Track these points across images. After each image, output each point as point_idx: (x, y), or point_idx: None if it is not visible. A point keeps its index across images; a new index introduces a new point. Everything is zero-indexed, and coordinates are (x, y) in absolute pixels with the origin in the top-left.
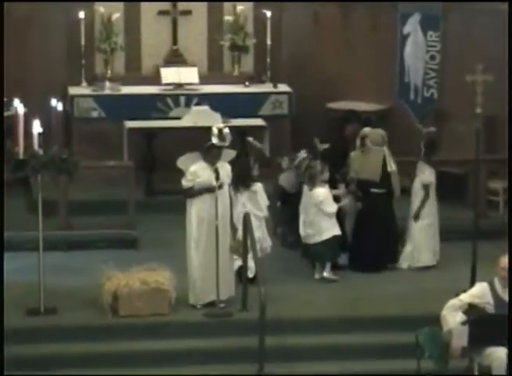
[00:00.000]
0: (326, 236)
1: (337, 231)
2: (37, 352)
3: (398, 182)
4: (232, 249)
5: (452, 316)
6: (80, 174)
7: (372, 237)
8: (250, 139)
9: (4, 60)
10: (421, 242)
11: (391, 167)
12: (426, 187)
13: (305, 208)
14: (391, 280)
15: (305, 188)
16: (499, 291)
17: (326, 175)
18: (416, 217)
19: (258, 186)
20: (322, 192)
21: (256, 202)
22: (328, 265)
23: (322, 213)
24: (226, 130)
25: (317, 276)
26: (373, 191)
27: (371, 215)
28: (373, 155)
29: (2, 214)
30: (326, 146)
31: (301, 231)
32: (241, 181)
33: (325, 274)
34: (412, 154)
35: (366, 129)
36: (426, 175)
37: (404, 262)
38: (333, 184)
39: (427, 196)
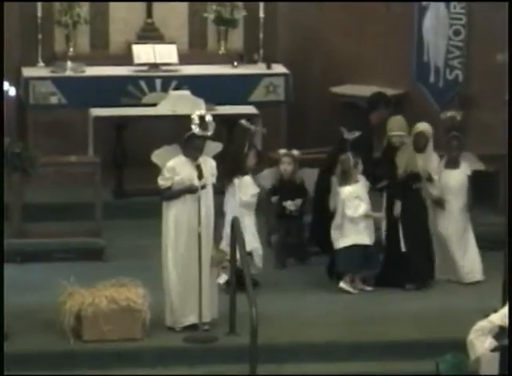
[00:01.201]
0: (344, 243)
1: (359, 240)
2: None
3: None
4: (214, 261)
5: (481, 341)
6: (37, 172)
7: (420, 244)
8: (243, 121)
9: (4, 59)
10: (474, 250)
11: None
12: (470, 179)
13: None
14: (407, 298)
15: (336, 185)
16: None
17: (360, 169)
18: (469, 208)
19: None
20: (347, 191)
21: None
22: (346, 276)
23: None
24: (209, 117)
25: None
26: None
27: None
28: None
29: (2, 213)
30: (356, 133)
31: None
32: (234, 171)
33: (341, 284)
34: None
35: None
36: (471, 164)
37: (445, 276)
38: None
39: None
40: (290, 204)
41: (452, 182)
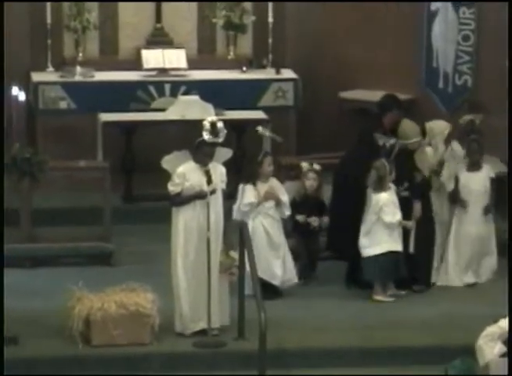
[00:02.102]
0: (376, 250)
1: (394, 247)
2: None
3: None
4: (222, 268)
5: (490, 347)
6: (46, 177)
7: (428, 246)
8: (260, 128)
9: (4, 59)
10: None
11: None
12: (493, 181)
13: (365, 215)
14: (416, 303)
15: (368, 192)
16: None
17: (393, 176)
18: (488, 210)
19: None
20: (385, 197)
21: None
22: (377, 286)
23: (381, 222)
24: (220, 124)
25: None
26: None
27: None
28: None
29: (2, 213)
30: (392, 141)
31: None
32: (249, 178)
33: (375, 297)
34: None
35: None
36: (494, 166)
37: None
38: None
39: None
40: (314, 220)
41: (475, 185)
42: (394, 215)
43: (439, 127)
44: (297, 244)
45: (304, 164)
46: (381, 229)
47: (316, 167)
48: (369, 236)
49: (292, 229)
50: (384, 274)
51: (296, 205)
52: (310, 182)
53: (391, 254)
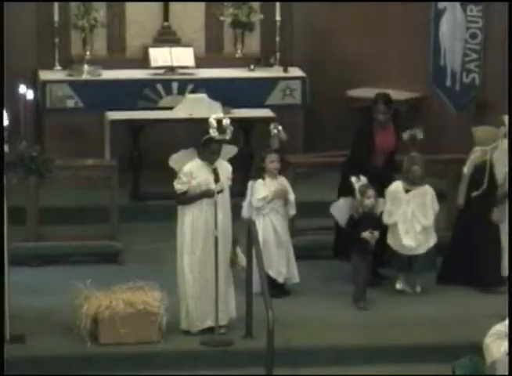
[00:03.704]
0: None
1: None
2: None
3: None
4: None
5: (498, 345)
6: (53, 175)
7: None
8: (273, 127)
9: (4, 59)
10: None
11: None
12: None
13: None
14: (423, 301)
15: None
16: None
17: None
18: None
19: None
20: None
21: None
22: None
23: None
24: (227, 121)
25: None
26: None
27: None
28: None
29: (3, 212)
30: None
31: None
32: (256, 174)
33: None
34: (448, 151)
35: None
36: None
37: None
38: None
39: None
40: (371, 237)
41: None
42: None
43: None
44: (357, 262)
45: (362, 184)
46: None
47: (364, 180)
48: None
49: (351, 247)
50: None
51: (355, 223)
52: (370, 200)
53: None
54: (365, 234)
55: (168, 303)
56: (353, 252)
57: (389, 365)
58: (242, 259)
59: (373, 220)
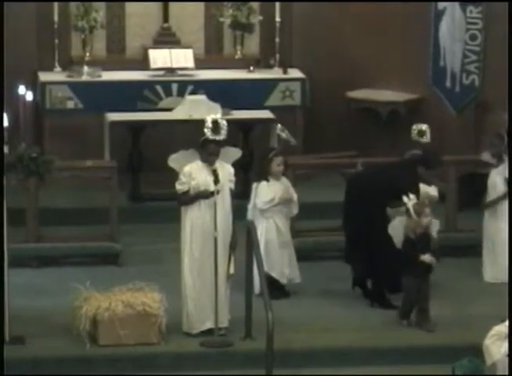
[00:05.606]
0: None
1: None
2: None
3: None
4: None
5: (497, 346)
6: (53, 176)
7: None
8: (279, 130)
9: (4, 60)
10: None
11: None
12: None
13: None
14: None
15: None
16: None
17: None
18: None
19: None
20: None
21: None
22: None
23: None
24: (223, 121)
25: None
26: None
27: None
28: None
29: (2, 214)
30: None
31: None
32: (259, 176)
33: None
34: (447, 152)
35: None
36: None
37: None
38: None
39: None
40: (428, 258)
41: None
42: None
43: None
44: (411, 283)
45: (423, 204)
46: None
47: (414, 199)
48: None
49: (406, 268)
50: None
51: (412, 244)
52: (428, 218)
53: None
54: (427, 258)
55: (168, 304)
56: (408, 274)
57: (389, 366)
58: (232, 266)
59: (429, 241)
